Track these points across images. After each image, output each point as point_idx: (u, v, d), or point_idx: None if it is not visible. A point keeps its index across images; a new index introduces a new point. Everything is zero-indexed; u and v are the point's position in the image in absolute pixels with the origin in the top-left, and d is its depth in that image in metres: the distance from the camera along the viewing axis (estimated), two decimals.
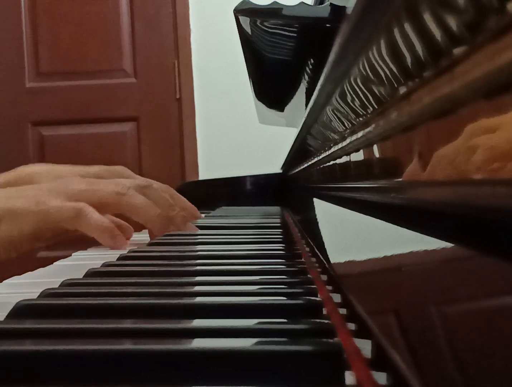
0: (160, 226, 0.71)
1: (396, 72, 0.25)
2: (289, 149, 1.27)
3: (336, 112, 0.45)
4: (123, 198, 0.67)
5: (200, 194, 1.49)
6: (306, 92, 0.70)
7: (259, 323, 0.27)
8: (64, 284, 0.38)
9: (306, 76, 0.66)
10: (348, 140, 0.43)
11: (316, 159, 0.72)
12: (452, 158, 0.19)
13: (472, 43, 0.17)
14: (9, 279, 0.46)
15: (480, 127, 0.17)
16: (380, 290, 0.28)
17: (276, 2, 0.51)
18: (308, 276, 0.40)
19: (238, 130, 2.61)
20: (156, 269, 0.44)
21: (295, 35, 0.58)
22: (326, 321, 0.27)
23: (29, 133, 2.62)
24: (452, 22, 0.17)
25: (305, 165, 0.91)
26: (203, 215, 1.05)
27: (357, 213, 0.40)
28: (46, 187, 0.68)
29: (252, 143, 2.57)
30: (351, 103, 0.38)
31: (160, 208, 0.72)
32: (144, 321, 0.28)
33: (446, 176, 0.21)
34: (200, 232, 0.78)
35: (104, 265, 0.46)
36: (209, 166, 2.62)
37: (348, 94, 0.38)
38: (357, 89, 0.34)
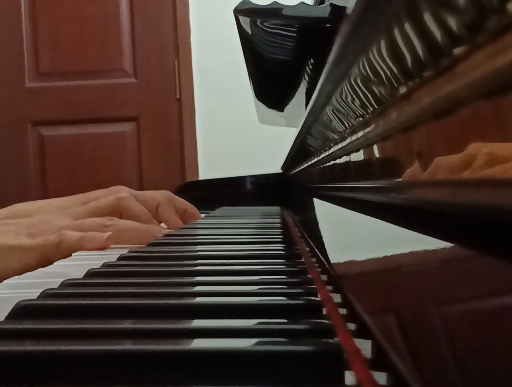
0: None
1: (396, 72, 0.25)
2: (289, 149, 1.27)
3: (336, 112, 0.45)
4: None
5: (200, 194, 1.49)
6: (306, 92, 0.70)
7: (259, 323, 0.27)
8: (64, 284, 0.38)
9: (306, 76, 0.66)
10: (348, 140, 0.43)
11: (316, 159, 0.72)
12: (452, 165, 0.19)
13: (472, 43, 0.17)
14: (9, 279, 0.46)
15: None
16: (380, 290, 0.28)
17: (276, 2, 0.51)
18: (308, 276, 0.40)
19: (238, 130, 2.61)
20: (156, 269, 0.44)
21: (295, 35, 0.58)
22: (326, 321, 0.27)
23: (29, 133, 2.62)
24: (452, 22, 0.17)
25: (305, 165, 0.91)
26: (203, 215, 1.05)
27: (357, 213, 0.40)
28: (26, 224, 0.69)
29: (252, 143, 2.57)
30: (351, 103, 0.38)
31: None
32: (144, 321, 0.28)
33: (445, 177, 0.21)
34: (200, 232, 0.78)
35: (104, 265, 0.46)
36: (209, 166, 2.62)
37: (348, 94, 0.38)
38: (357, 89, 0.34)
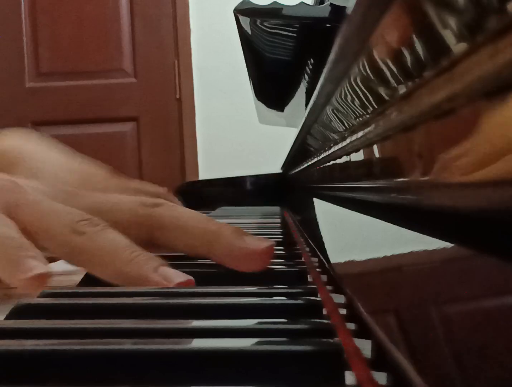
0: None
1: (396, 72, 0.25)
2: (289, 149, 1.27)
3: (336, 112, 0.45)
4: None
5: (200, 194, 1.49)
6: (306, 92, 0.70)
7: (259, 323, 0.27)
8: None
9: (306, 76, 0.66)
10: (348, 140, 0.43)
11: (316, 159, 0.72)
12: (454, 159, 0.19)
13: (472, 43, 0.17)
14: None
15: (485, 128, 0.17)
16: (380, 290, 0.28)
17: (276, 2, 0.51)
18: (308, 276, 0.40)
19: (238, 130, 2.61)
20: None
21: (295, 35, 0.58)
22: (326, 321, 0.27)
23: None
24: (452, 22, 0.17)
25: (305, 165, 0.91)
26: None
27: (357, 213, 0.40)
28: None
29: (252, 144, 2.58)
30: (351, 103, 0.38)
31: None
32: (144, 320, 0.28)
33: (446, 175, 0.21)
34: None
35: None
36: (209, 167, 2.62)
37: (348, 94, 0.38)
38: (357, 89, 0.34)
